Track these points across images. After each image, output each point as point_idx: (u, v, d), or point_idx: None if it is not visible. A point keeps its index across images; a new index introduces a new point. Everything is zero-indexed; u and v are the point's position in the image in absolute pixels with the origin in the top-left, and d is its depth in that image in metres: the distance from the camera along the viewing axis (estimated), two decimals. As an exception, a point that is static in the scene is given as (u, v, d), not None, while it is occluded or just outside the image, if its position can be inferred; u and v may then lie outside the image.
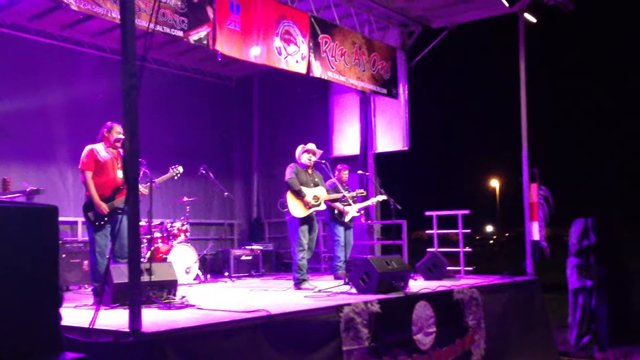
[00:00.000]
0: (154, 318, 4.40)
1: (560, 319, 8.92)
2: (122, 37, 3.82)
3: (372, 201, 9.04)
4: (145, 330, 3.74)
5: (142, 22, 6.06)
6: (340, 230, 8.28)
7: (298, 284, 7.01)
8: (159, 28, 6.45)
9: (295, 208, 7.04)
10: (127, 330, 3.73)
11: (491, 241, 65.72)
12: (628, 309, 8.24)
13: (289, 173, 7.13)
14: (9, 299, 2.67)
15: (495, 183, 51.80)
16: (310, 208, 7.12)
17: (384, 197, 8.57)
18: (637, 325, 8.13)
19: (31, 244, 2.77)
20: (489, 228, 68.67)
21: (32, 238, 2.78)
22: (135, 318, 3.71)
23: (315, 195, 7.19)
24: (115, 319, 4.37)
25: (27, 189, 6.12)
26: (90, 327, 3.85)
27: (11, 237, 2.69)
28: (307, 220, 7.12)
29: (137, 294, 3.75)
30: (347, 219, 8.27)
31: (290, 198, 7.04)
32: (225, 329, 4.18)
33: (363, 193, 8.58)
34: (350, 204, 8.16)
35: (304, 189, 7.12)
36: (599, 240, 8.41)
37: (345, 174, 8.67)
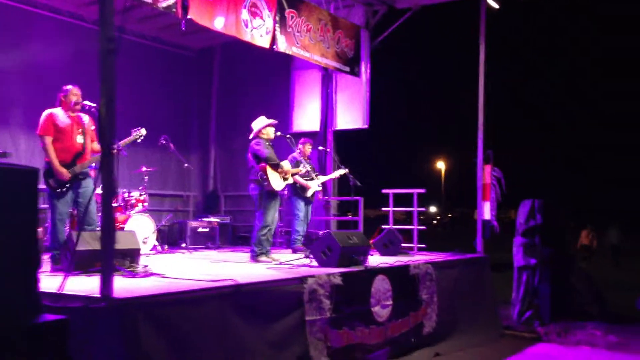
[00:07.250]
0: (120, 285, 4.40)
1: (504, 295, 9.33)
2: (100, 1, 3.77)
3: (333, 175, 9.17)
4: (116, 296, 3.76)
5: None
6: (301, 204, 8.38)
7: (255, 257, 7.03)
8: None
9: (275, 180, 7.06)
10: (98, 295, 3.75)
11: (435, 221, 67.43)
12: (568, 288, 8.71)
13: (262, 148, 7.05)
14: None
15: (441, 165, 52.97)
16: (285, 180, 7.20)
17: (345, 171, 8.71)
18: (576, 302, 8.63)
19: (12, 206, 2.76)
20: (433, 208, 70.38)
21: (13, 200, 2.76)
22: (107, 284, 3.73)
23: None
24: (79, 285, 4.36)
25: (-5, 151, 5.92)
26: (60, 292, 3.83)
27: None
28: (274, 195, 7.15)
29: (110, 259, 3.76)
30: (309, 193, 8.39)
31: (269, 171, 7.02)
32: (194, 297, 4.24)
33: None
34: (312, 179, 8.27)
35: None
36: (545, 221, 8.83)
37: (308, 148, 8.74)
